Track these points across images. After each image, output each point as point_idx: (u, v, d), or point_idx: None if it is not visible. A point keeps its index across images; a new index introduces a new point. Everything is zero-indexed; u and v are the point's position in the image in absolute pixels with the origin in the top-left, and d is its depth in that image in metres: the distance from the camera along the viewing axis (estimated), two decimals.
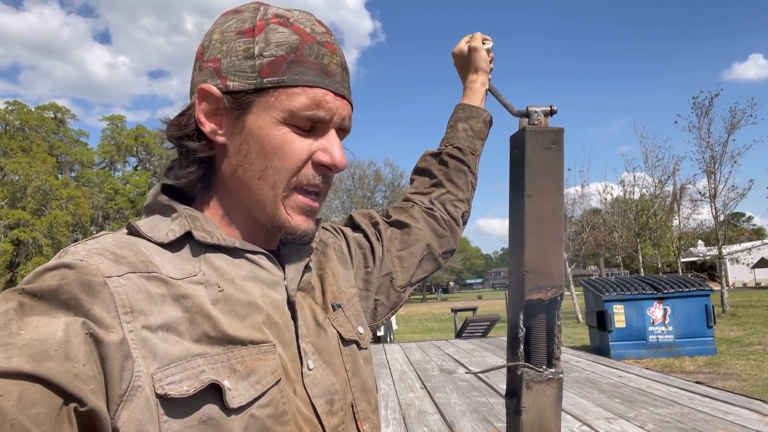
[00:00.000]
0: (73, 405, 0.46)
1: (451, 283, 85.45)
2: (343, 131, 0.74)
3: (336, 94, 0.70)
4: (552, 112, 1.03)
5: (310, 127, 0.70)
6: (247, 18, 0.70)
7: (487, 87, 1.17)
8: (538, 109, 1.02)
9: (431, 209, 1.07)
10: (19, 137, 33.27)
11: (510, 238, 1.01)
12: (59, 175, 35.25)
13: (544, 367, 0.93)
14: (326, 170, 0.72)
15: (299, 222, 0.72)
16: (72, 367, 0.47)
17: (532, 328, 0.95)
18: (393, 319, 15.78)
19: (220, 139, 0.71)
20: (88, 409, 0.47)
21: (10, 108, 35.03)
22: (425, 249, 1.03)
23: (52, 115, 38.84)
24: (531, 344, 0.95)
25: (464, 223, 1.13)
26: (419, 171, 1.14)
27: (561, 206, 0.96)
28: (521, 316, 0.94)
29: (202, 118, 0.70)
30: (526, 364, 0.93)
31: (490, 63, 1.19)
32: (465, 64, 1.19)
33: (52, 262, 0.56)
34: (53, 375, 0.45)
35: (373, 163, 53.24)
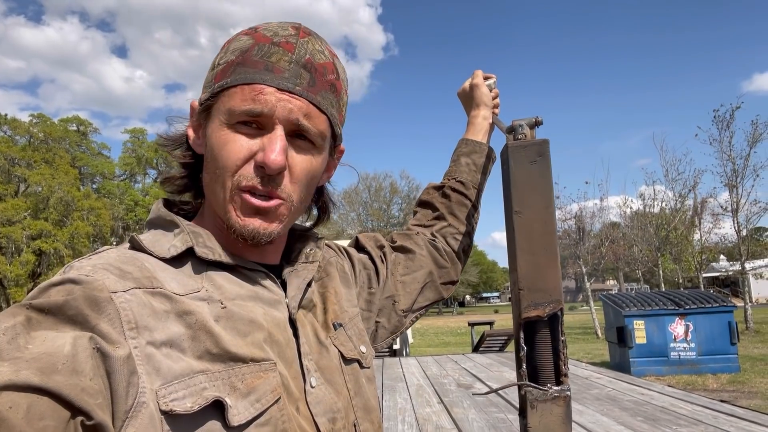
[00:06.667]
0: (80, 418, 0.46)
1: (468, 297, 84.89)
2: (304, 131, 0.69)
3: (279, 89, 0.67)
4: (537, 124, 1.01)
5: (257, 125, 0.68)
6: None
7: (490, 121, 1.19)
8: (522, 122, 1.00)
9: (434, 240, 1.08)
10: (43, 149, 33.91)
11: (507, 255, 1.00)
12: (81, 187, 35.85)
13: (549, 385, 0.90)
14: (260, 169, 0.67)
15: (247, 221, 0.68)
16: (79, 381, 0.47)
17: (535, 346, 0.93)
18: (408, 332, 15.69)
19: (199, 149, 0.74)
20: (95, 423, 0.47)
21: (34, 121, 35.81)
22: (428, 276, 1.03)
23: (75, 128, 39.61)
24: (535, 362, 0.93)
25: (466, 257, 1.13)
26: (422, 204, 1.16)
27: (552, 220, 0.93)
28: (521, 335, 0.92)
29: (190, 131, 0.75)
30: (528, 383, 0.90)
31: (495, 99, 1.22)
32: (469, 100, 1.21)
33: (58, 277, 0.56)
34: (61, 388, 0.46)
35: (389, 175, 53.47)
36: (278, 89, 0.67)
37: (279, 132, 0.67)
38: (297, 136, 0.70)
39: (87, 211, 31.96)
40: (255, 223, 0.68)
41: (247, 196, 0.68)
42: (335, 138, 0.77)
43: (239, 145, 0.67)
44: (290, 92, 0.67)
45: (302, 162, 0.70)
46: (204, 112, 0.72)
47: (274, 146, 0.66)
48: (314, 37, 0.73)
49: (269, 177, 0.67)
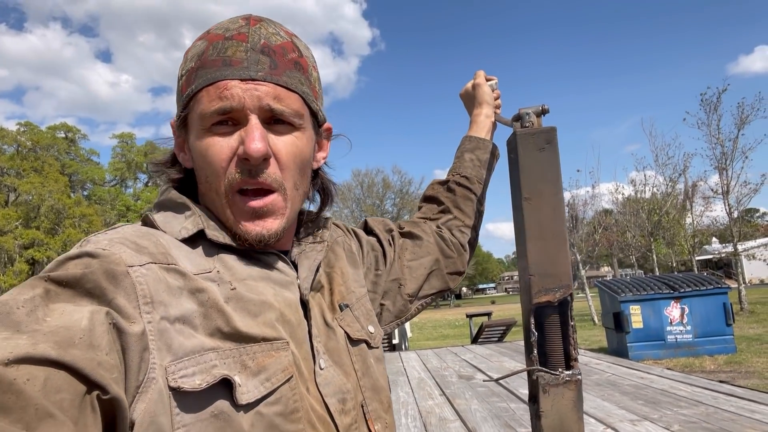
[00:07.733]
0: (96, 392, 0.47)
1: (464, 289, 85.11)
2: (278, 114, 0.69)
3: (242, 79, 0.67)
4: (544, 112, 1.03)
5: (231, 121, 0.67)
6: None
7: (493, 119, 1.21)
8: (529, 111, 1.02)
9: (440, 230, 1.09)
10: (31, 158, 33.69)
11: (516, 242, 1.01)
12: (71, 194, 35.60)
13: (560, 369, 0.91)
14: (244, 162, 0.67)
15: (248, 227, 0.68)
16: (96, 356, 0.47)
17: (546, 331, 0.94)
18: (407, 326, 15.70)
19: (188, 164, 0.74)
20: (111, 398, 0.47)
21: (21, 129, 35.52)
22: (434, 263, 1.04)
23: (63, 135, 39.30)
24: (546, 347, 0.94)
25: (472, 250, 1.14)
26: (427, 198, 1.17)
27: (561, 206, 0.94)
28: (532, 320, 0.93)
29: (177, 150, 0.75)
30: (540, 368, 0.91)
31: (497, 99, 1.24)
32: (471, 100, 1.24)
33: (74, 250, 0.56)
34: (78, 362, 0.46)
35: (381, 170, 53.29)
36: (241, 80, 0.67)
37: (254, 121, 0.67)
38: (274, 121, 0.69)
39: (79, 218, 31.78)
40: (257, 228, 0.69)
41: (243, 198, 0.68)
42: (316, 116, 0.76)
43: (220, 146, 0.67)
44: (254, 80, 0.67)
45: (286, 146, 0.70)
46: (183, 127, 0.72)
47: (253, 135, 0.66)
48: (266, 22, 0.72)
49: (255, 168, 0.67)
